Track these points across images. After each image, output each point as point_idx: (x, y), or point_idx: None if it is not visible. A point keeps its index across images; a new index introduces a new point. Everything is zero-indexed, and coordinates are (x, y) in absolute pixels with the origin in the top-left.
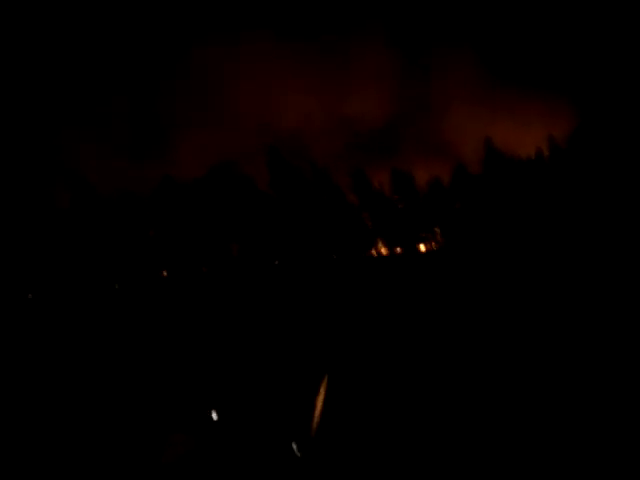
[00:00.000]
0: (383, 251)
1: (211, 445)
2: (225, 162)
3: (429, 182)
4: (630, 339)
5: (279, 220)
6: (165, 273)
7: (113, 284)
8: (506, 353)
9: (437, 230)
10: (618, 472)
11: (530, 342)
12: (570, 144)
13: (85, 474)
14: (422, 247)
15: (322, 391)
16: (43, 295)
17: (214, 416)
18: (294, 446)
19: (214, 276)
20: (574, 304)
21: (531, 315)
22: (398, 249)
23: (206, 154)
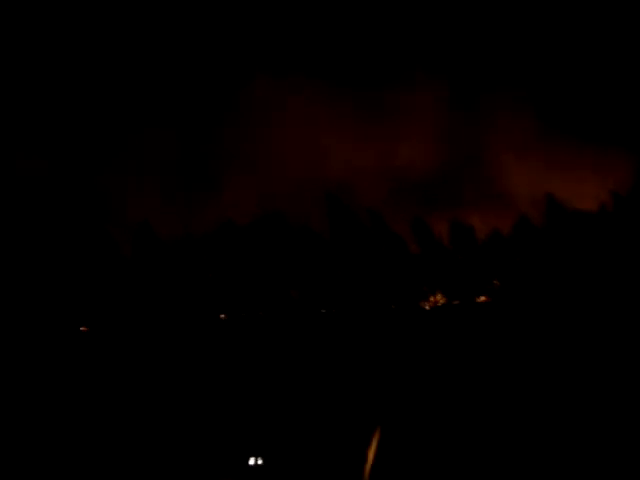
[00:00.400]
0: (440, 302)
1: None
2: (276, 209)
3: (488, 233)
4: None
5: (339, 267)
6: (223, 316)
7: (174, 327)
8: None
9: (496, 282)
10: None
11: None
12: (633, 197)
13: None
14: (481, 298)
15: (374, 443)
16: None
17: (261, 463)
18: None
19: (271, 321)
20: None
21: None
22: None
23: (254, 200)
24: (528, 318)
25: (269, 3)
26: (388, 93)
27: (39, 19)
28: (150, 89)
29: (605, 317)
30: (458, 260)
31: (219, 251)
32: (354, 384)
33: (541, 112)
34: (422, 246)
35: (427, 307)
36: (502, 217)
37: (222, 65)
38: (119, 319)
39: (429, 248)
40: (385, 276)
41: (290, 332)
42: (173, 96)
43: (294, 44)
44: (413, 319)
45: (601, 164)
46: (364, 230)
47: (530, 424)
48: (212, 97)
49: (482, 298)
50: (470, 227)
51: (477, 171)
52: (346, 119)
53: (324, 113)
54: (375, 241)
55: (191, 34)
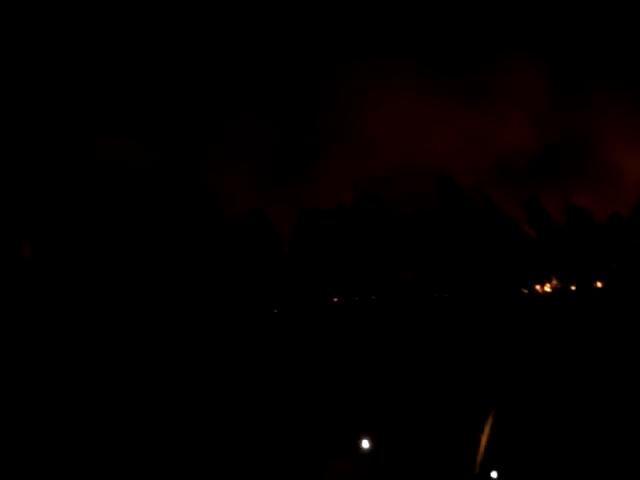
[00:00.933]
0: (554, 287)
1: (374, 474)
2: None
3: (608, 216)
4: None
5: (452, 250)
6: (336, 299)
7: (272, 308)
8: None
9: (615, 267)
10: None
11: None
12: None
13: None
14: (598, 284)
15: (487, 428)
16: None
17: (371, 445)
18: None
19: (383, 304)
20: None
21: None
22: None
23: (351, 185)
24: None
25: None
26: (487, 74)
27: None
28: (239, 74)
29: None
30: (574, 243)
31: (326, 233)
32: (468, 368)
33: None
34: (537, 229)
35: (545, 290)
36: (620, 199)
37: (315, 49)
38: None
39: (545, 231)
40: (498, 259)
41: (404, 315)
42: (265, 81)
43: (386, 25)
44: (528, 303)
45: None
46: (477, 212)
47: None
48: (306, 82)
49: (599, 283)
50: (587, 210)
51: (591, 153)
52: (443, 101)
53: (423, 96)
54: (488, 224)
55: (282, 17)
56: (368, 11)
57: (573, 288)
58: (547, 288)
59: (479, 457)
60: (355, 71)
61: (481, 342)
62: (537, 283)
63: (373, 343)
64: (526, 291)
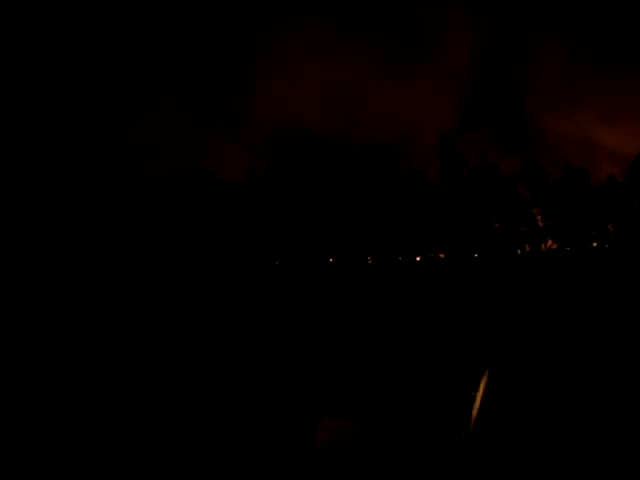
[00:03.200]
0: (550, 247)
1: (368, 432)
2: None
3: (605, 177)
4: None
5: (447, 212)
6: (332, 260)
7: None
8: None
9: (610, 228)
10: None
11: None
12: None
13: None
14: (594, 245)
15: (482, 386)
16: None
17: (365, 403)
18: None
19: (379, 266)
20: None
21: None
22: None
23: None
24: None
25: None
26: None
27: None
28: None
29: None
30: (570, 204)
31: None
32: (463, 327)
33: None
34: (532, 189)
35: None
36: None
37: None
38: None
39: (540, 191)
40: (494, 219)
41: (400, 276)
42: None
43: None
44: (522, 263)
45: None
46: (475, 174)
47: None
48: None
49: (594, 244)
50: (585, 172)
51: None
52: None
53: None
54: (486, 185)
55: None
56: None
57: (568, 249)
58: (542, 247)
59: (473, 415)
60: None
61: (476, 302)
62: (532, 243)
63: (369, 303)
64: (519, 251)
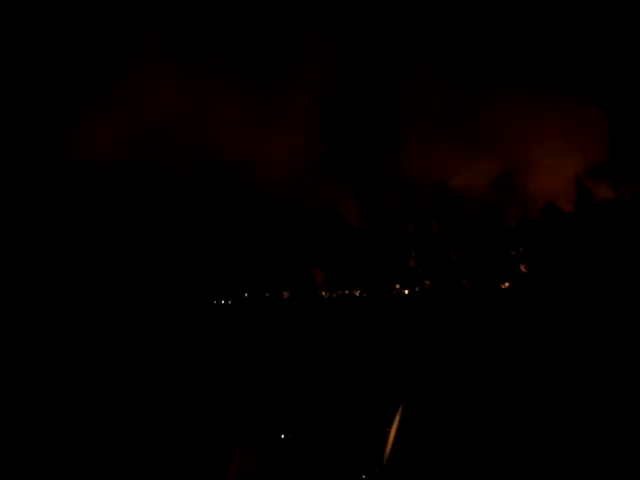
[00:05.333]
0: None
1: (280, 467)
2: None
3: (518, 218)
4: None
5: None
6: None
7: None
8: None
9: (522, 268)
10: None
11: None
12: None
13: None
14: (506, 284)
15: (396, 420)
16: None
17: (285, 436)
18: (364, 476)
19: (294, 302)
20: None
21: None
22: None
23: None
24: (554, 304)
25: None
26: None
27: None
28: None
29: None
30: (483, 244)
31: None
32: (378, 360)
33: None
34: (447, 228)
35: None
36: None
37: None
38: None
39: (455, 230)
40: (407, 258)
41: (315, 310)
42: None
43: None
44: (442, 301)
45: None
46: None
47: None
48: None
49: (506, 284)
50: (500, 210)
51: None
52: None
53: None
54: (401, 221)
55: None
56: None
57: (479, 288)
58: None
59: (387, 450)
60: None
61: (391, 338)
62: (449, 282)
63: (282, 336)
64: (434, 289)
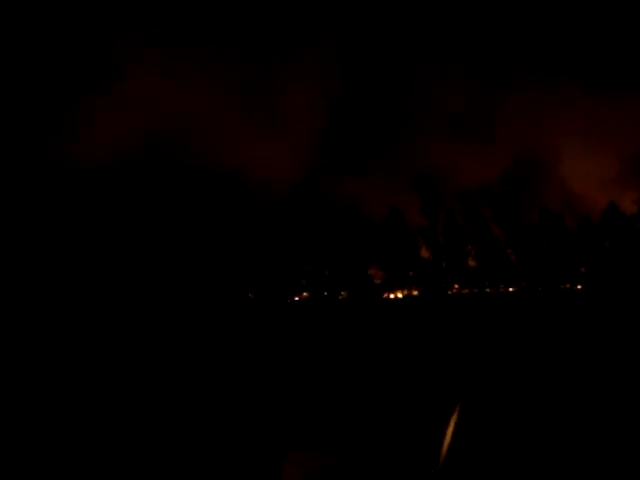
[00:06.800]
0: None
1: (337, 467)
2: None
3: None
4: None
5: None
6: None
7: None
8: None
9: (583, 270)
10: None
11: None
12: None
13: None
14: (566, 285)
15: (452, 422)
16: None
17: (333, 437)
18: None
19: (351, 301)
20: None
21: None
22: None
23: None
24: (614, 307)
25: None
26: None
27: None
28: None
29: None
30: (545, 246)
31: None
32: (435, 359)
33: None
34: (506, 230)
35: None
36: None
37: None
38: None
39: (516, 233)
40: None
41: (371, 311)
42: None
43: None
44: (498, 302)
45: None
46: (449, 212)
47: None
48: None
49: (567, 285)
50: (559, 214)
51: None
52: None
53: None
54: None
55: None
56: None
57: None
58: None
59: (443, 451)
60: None
61: (447, 337)
62: (504, 284)
63: (340, 336)
64: (492, 290)
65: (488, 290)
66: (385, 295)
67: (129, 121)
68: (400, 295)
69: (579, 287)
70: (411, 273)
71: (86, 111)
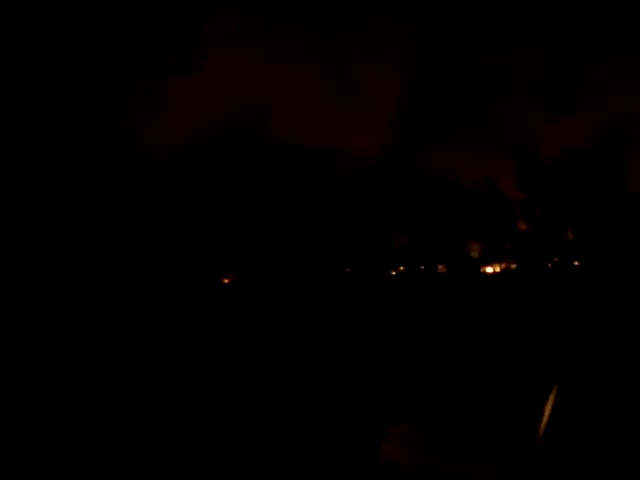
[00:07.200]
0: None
1: (436, 443)
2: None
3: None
4: None
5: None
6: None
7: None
8: None
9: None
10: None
11: None
12: None
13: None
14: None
15: (551, 399)
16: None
17: (430, 412)
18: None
19: (446, 275)
20: None
21: None
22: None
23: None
24: None
25: None
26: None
27: None
28: None
29: None
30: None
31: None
32: (532, 337)
33: None
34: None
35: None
36: None
37: None
38: None
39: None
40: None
41: (467, 285)
42: None
43: None
44: (589, 275)
45: None
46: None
47: None
48: None
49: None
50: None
51: None
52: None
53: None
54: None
55: None
56: None
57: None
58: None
59: (542, 428)
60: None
61: (545, 315)
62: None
63: (435, 310)
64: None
65: (590, 264)
66: (482, 269)
67: (211, 104)
68: (498, 269)
69: None
70: (509, 246)
71: (171, 95)
